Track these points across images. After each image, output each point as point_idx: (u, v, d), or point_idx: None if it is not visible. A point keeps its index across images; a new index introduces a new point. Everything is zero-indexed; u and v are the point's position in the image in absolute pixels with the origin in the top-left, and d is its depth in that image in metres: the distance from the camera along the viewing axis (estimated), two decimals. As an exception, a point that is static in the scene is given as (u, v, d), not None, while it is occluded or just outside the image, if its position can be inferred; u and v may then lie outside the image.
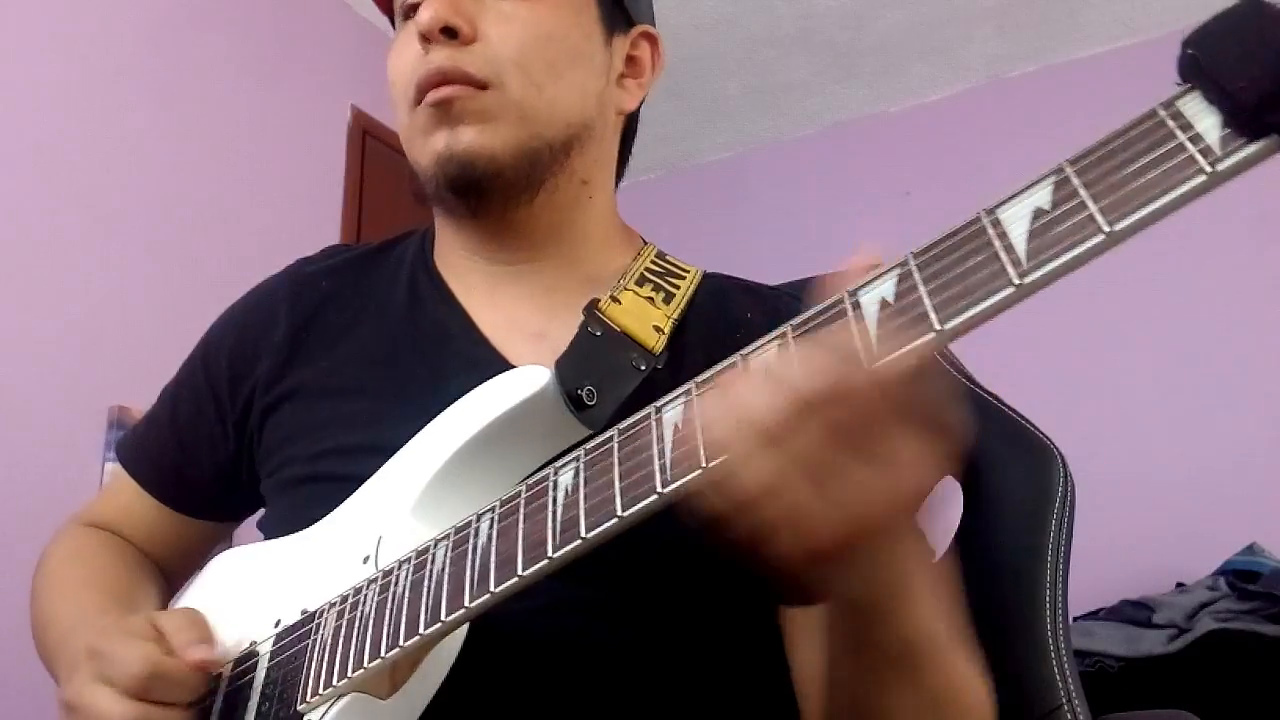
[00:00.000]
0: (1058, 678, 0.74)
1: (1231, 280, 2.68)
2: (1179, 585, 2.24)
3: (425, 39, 0.73)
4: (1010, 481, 0.86)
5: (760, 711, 0.70)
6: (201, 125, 2.34)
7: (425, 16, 0.72)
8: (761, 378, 0.45)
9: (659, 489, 0.48)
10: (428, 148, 0.75)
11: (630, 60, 0.84)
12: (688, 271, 0.83)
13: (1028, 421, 0.87)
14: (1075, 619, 2.16)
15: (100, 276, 2.05)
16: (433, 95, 0.73)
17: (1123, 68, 2.76)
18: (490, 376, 0.68)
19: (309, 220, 2.57)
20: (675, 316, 0.77)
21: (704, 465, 0.47)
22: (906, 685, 0.54)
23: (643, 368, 0.71)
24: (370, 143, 2.79)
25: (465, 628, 0.61)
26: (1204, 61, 0.39)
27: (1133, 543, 2.43)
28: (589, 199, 0.82)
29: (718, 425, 0.46)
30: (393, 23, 0.83)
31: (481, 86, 0.73)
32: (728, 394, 0.46)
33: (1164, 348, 2.70)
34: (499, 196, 0.76)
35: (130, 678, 0.60)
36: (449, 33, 0.73)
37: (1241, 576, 2.11)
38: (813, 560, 0.46)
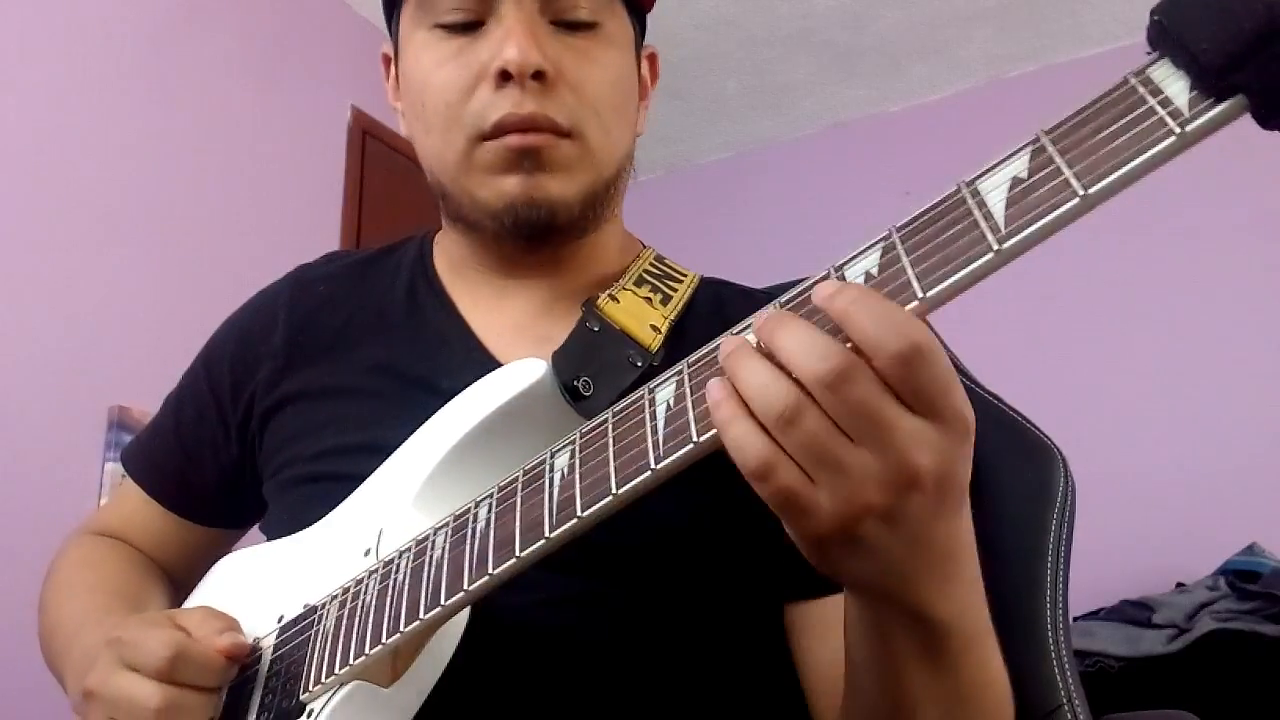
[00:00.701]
0: (1058, 677, 0.74)
1: (1232, 279, 2.68)
2: (1179, 585, 2.24)
3: (507, 77, 0.71)
4: (1010, 481, 0.85)
5: (760, 707, 0.70)
6: (201, 125, 2.34)
7: (515, 58, 0.70)
8: (762, 363, 0.45)
9: (653, 465, 0.49)
10: (494, 188, 0.73)
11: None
12: (685, 275, 0.84)
13: (1028, 421, 0.88)
14: (1075, 619, 2.16)
15: (100, 276, 2.05)
16: (519, 141, 0.71)
17: (1123, 68, 2.76)
18: None
19: (309, 220, 2.57)
20: (672, 318, 0.77)
21: (695, 440, 0.47)
22: (934, 675, 0.52)
23: (639, 364, 0.72)
24: (370, 143, 2.79)
25: (465, 618, 0.61)
26: (1170, 27, 0.40)
27: (1133, 543, 2.43)
28: (614, 218, 0.83)
29: (720, 408, 0.45)
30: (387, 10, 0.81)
31: (565, 134, 0.73)
32: (732, 375, 0.46)
33: (1164, 347, 2.71)
34: (560, 237, 0.77)
35: (157, 659, 0.60)
36: (537, 76, 0.71)
37: (1241, 576, 2.11)
38: (817, 542, 0.46)
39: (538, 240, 0.76)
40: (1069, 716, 0.72)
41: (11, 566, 1.34)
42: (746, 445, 0.44)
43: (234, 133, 2.42)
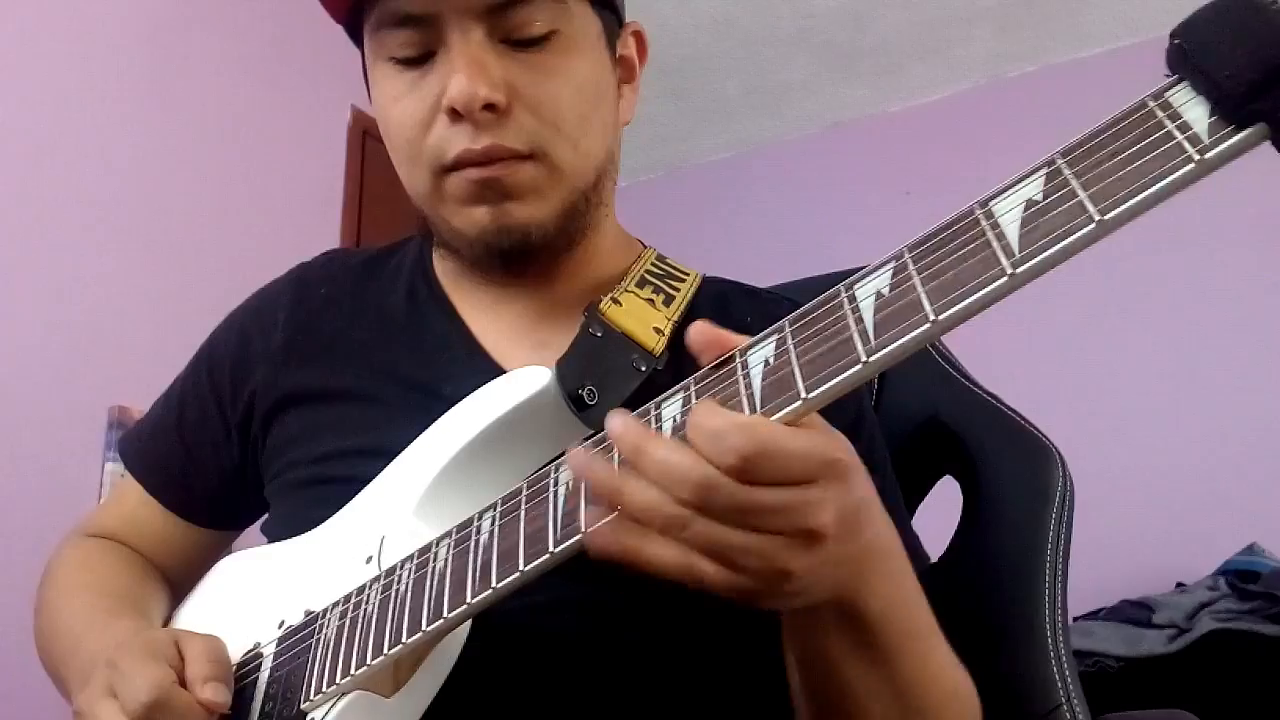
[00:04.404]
0: (1057, 677, 0.74)
1: (1231, 280, 2.68)
2: (1179, 585, 2.24)
3: (458, 114, 0.69)
4: (1010, 482, 0.86)
5: (762, 711, 0.70)
6: (201, 125, 2.34)
7: (461, 94, 0.68)
8: (640, 482, 0.47)
9: None
10: (466, 218, 0.73)
11: (622, 61, 0.81)
12: (687, 274, 0.83)
13: (1027, 422, 0.88)
14: (1075, 619, 2.17)
15: (100, 276, 2.05)
16: (477, 174, 0.70)
17: (1123, 68, 2.76)
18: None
19: (309, 220, 2.57)
20: (675, 319, 0.77)
21: None
22: (870, 668, 0.56)
23: (643, 369, 0.71)
24: (370, 143, 2.79)
25: (468, 626, 0.61)
26: (1191, 52, 0.39)
27: (1133, 543, 2.43)
28: (604, 218, 0.82)
29: (621, 537, 0.49)
30: (349, 30, 0.79)
31: (527, 158, 0.71)
32: (615, 498, 0.49)
33: (1164, 347, 2.71)
34: (545, 255, 0.76)
35: (136, 702, 0.59)
36: (489, 107, 0.69)
37: (1241, 576, 2.11)
38: (753, 601, 0.49)
39: (520, 262, 0.76)
40: (1068, 716, 0.73)
41: (11, 566, 1.34)
42: (662, 560, 0.47)
43: (234, 133, 2.42)
